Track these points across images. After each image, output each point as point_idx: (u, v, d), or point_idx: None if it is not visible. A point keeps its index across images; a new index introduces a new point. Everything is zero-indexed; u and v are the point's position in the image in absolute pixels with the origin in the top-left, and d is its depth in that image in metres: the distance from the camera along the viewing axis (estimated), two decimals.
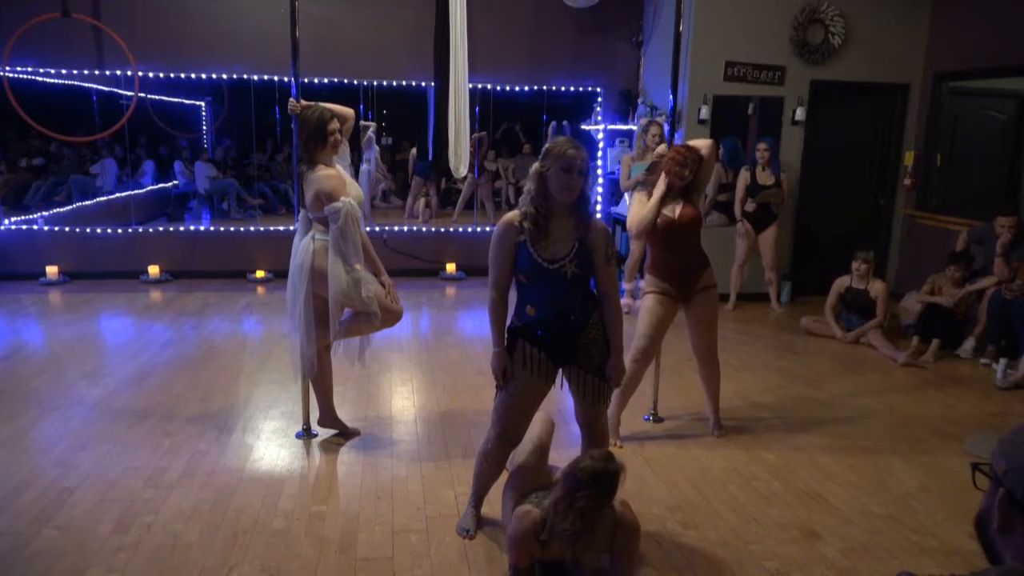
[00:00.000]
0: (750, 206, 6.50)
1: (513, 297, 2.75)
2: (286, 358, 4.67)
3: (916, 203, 7.05)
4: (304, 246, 3.47)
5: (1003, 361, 4.95)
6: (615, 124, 7.76)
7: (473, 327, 6.13)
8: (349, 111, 3.57)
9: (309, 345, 3.52)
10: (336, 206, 3.29)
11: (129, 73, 6.97)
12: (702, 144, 3.70)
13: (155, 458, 3.50)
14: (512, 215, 2.68)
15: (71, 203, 8.19)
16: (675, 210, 3.61)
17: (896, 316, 6.01)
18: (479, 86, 7.49)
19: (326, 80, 7.20)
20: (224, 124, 9.28)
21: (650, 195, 3.67)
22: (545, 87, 7.82)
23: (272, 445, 3.70)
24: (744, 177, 6.49)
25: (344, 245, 3.33)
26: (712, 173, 3.80)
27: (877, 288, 5.69)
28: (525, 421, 2.82)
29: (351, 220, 3.31)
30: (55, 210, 7.91)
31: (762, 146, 6.44)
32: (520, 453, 2.86)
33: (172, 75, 7.25)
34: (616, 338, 2.73)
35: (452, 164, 6.50)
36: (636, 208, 3.68)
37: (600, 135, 7.81)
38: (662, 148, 3.80)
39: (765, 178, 6.47)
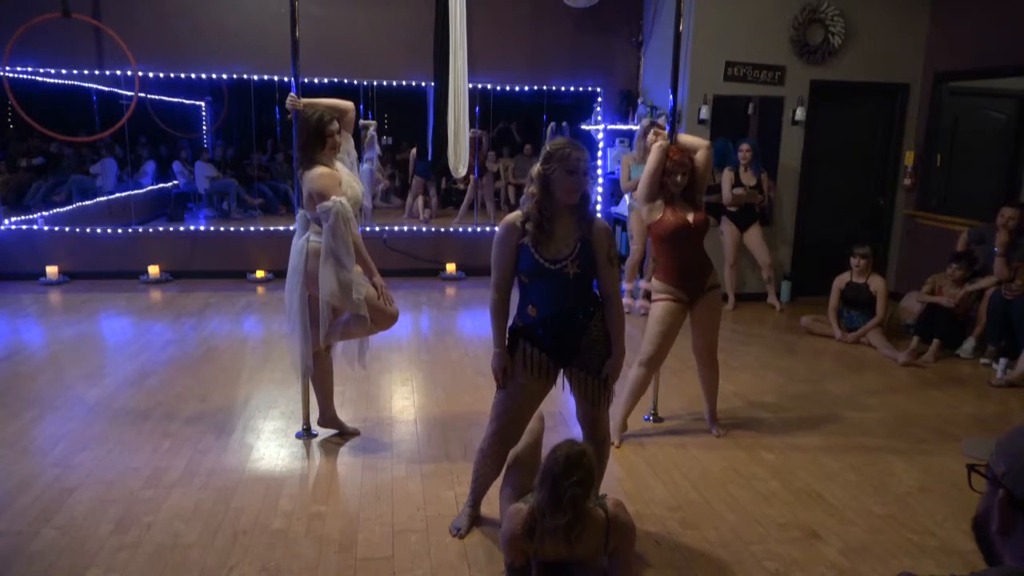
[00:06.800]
0: (732, 206, 6.56)
1: (515, 297, 2.75)
2: (286, 358, 4.67)
3: (916, 203, 7.05)
4: (299, 247, 3.46)
5: (1003, 361, 4.95)
6: (615, 124, 7.75)
7: (473, 327, 6.13)
8: (348, 104, 3.56)
9: (305, 346, 3.51)
10: (326, 205, 3.26)
11: (129, 73, 6.97)
12: (698, 144, 3.70)
13: (155, 458, 3.51)
14: (514, 216, 2.67)
15: (71, 203, 8.20)
16: (688, 214, 3.63)
17: (896, 316, 6.01)
18: (479, 86, 7.48)
19: (326, 80, 7.19)
20: (224, 124, 9.28)
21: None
22: (545, 87, 7.82)
23: (272, 445, 3.70)
24: (728, 177, 6.54)
25: (335, 245, 3.30)
26: (708, 174, 3.81)
27: (877, 283, 5.70)
28: (523, 420, 2.83)
29: (342, 220, 3.27)
30: (55, 210, 7.91)
31: (744, 147, 6.51)
32: (514, 449, 2.88)
33: (172, 75, 7.24)
34: (618, 339, 2.73)
35: (451, 164, 6.52)
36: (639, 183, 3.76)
37: (600, 135, 7.81)
38: (664, 135, 3.78)
39: (747, 178, 6.54)
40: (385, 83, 7.59)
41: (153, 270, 7.36)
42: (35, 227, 7.41)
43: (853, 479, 3.49)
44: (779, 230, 7.01)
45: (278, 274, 7.34)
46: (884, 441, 3.95)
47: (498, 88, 7.70)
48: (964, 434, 4.04)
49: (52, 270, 7.18)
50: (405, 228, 8.09)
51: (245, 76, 7.34)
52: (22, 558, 2.69)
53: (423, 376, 4.80)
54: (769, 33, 6.59)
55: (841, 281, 5.86)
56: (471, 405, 4.28)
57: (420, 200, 9.05)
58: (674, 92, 3.99)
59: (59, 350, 5.19)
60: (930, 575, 2.62)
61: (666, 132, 3.84)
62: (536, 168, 2.63)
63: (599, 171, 7.76)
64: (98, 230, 7.42)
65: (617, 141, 7.68)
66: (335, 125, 3.42)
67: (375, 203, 8.99)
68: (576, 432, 2.98)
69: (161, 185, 9.01)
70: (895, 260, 7.27)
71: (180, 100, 9.17)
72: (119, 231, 7.49)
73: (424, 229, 8.21)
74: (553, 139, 2.79)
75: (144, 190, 8.71)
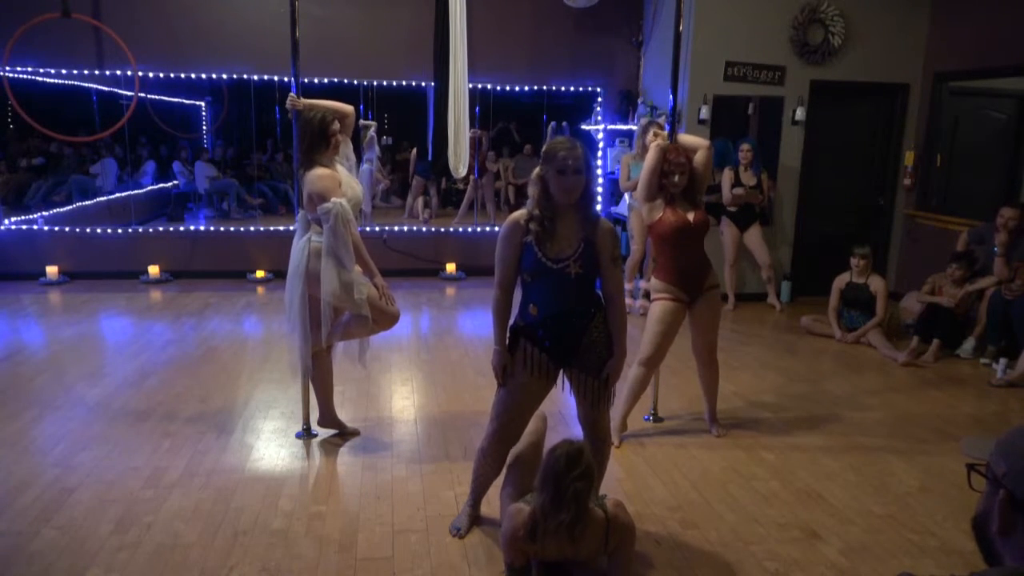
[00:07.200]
0: (732, 206, 6.57)
1: (518, 296, 2.75)
2: (286, 358, 4.67)
3: (916, 203, 7.05)
4: (300, 248, 3.47)
5: (1003, 361, 4.95)
6: (615, 124, 7.76)
7: (473, 327, 6.13)
8: (348, 107, 3.56)
9: (305, 346, 3.51)
10: (326, 207, 3.27)
11: (129, 73, 6.97)
12: (699, 144, 3.71)
13: (155, 458, 3.51)
14: (518, 214, 2.68)
15: (71, 203, 8.20)
16: (689, 214, 3.64)
17: (896, 316, 6.01)
18: (479, 86, 7.49)
19: (326, 80, 7.20)
20: (224, 124, 9.29)
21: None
22: (545, 87, 7.82)
23: (272, 445, 3.70)
24: (728, 176, 6.54)
25: (335, 245, 3.31)
26: (708, 174, 3.82)
27: (877, 283, 5.71)
28: (523, 420, 2.83)
29: (341, 221, 3.28)
30: (55, 210, 7.92)
31: (745, 147, 6.51)
32: (516, 449, 2.88)
33: (172, 75, 7.25)
34: (620, 340, 2.72)
35: (452, 164, 6.52)
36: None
37: (600, 135, 7.81)
38: (663, 135, 3.79)
39: (747, 178, 6.55)
40: (385, 83, 7.59)
41: (153, 270, 7.36)
42: (35, 227, 7.41)
43: (853, 479, 3.49)
44: (779, 230, 7.01)
45: (278, 274, 7.35)
46: (884, 441, 3.95)
47: (498, 88, 7.70)
48: (964, 434, 4.04)
49: (52, 270, 7.18)
50: (405, 228, 8.09)
51: (245, 76, 7.35)
52: (22, 558, 2.69)
53: (423, 376, 4.80)
54: (769, 33, 6.59)
55: (841, 281, 5.86)
56: (471, 405, 4.28)
57: (420, 200, 9.05)
58: (674, 92, 3.99)
59: (59, 350, 5.19)
60: (930, 575, 2.62)
61: (666, 132, 3.84)
62: (536, 170, 2.65)
63: (599, 171, 7.75)
64: (98, 230, 7.42)
65: (617, 141, 7.68)
66: (337, 125, 3.44)
67: (375, 203, 9.02)
68: (576, 432, 2.98)
69: (161, 185, 9.02)
70: (895, 260, 7.27)
71: (180, 100, 9.17)
72: (119, 231, 7.49)
73: (424, 229, 8.21)
74: (552, 139, 2.79)
75: (144, 190, 8.71)
